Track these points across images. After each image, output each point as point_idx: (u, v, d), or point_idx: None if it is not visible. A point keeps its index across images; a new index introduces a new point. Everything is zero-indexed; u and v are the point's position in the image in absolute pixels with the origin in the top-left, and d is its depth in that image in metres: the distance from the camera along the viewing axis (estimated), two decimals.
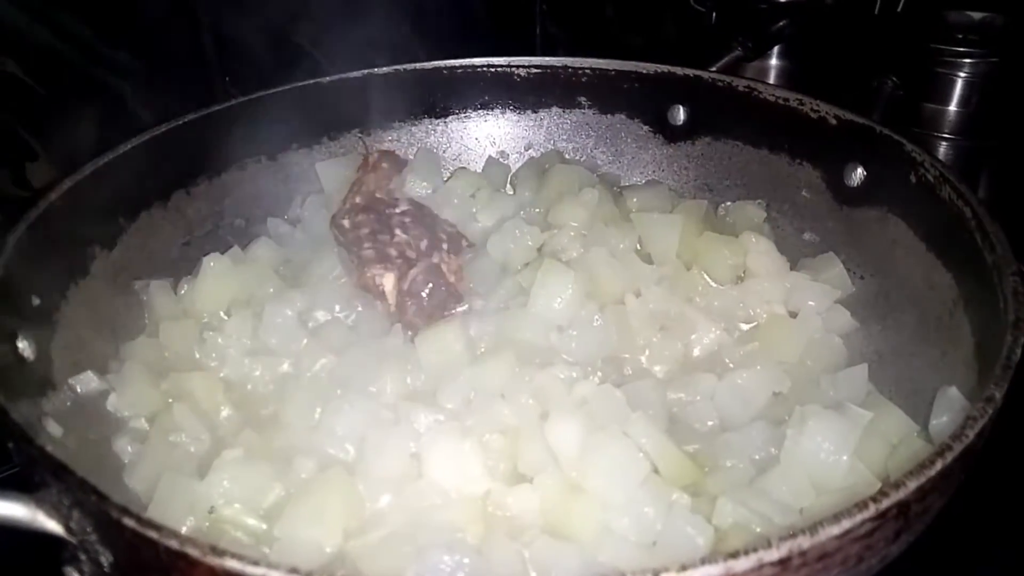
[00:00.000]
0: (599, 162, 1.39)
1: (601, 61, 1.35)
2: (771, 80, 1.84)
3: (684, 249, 1.16)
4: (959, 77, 1.64)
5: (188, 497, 0.86)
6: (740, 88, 1.25)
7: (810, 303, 1.09)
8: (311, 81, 1.30)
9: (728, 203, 1.27)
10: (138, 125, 1.19)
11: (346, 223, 1.17)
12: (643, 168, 1.38)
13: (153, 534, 0.60)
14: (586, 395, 0.93)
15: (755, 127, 1.25)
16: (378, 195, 1.22)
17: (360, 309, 1.13)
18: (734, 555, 0.56)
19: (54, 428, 0.86)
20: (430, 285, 1.10)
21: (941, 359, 0.95)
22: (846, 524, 0.59)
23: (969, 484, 0.72)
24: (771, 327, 1.08)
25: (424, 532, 0.81)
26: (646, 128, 1.36)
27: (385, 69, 1.33)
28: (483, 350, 1.05)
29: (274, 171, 1.30)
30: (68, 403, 0.93)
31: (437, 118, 1.39)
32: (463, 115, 1.40)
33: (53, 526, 0.67)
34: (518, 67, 1.37)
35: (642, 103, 1.34)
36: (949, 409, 0.84)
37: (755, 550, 0.57)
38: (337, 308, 1.13)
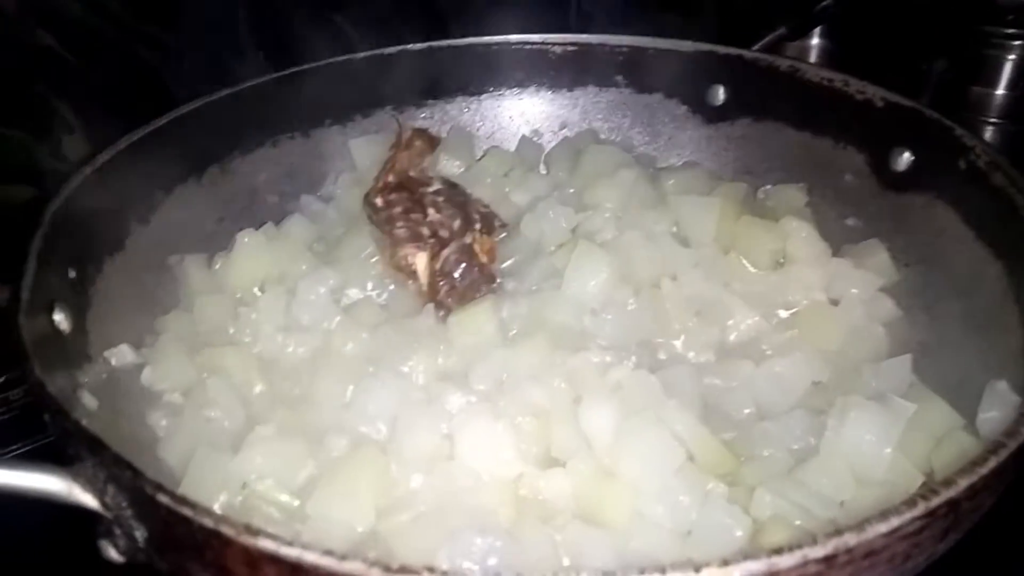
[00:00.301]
0: (635, 143, 1.37)
1: (639, 39, 1.32)
2: (813, 61, 1.79)
3: (722, 233, 1.13)
4: (1008, 60, 1.59)
5: (221, 472, 0.86)
6: (783, 68, 1.22)
7: (852, 291, 1.06)
8: (345, 57, 1.29)
9: (768, 186, 1.24)
10: (173, 100, 1.19)
11: (379, 201, 1.16)
12: (680, 149, 1.35)
13: (188, 512, 0.60)
14: (620, 380, 0.92)
15: (798, 108, 1.22)
16: (411, 174, 1.21)
17: (392, 288, 1.12)
18: (778, 551, 0.55)
19: (89, 401, 0.86)
20: (463, 265, 1.09)
21: (989, 351, 0.92)
22: (895, 521, 0.58)
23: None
24: (811, 314, 1.05)
25: (455, 514, 0.81)
26: (684, 108, 1.33)
27: (419, 46, 1.32)
28: (515, 332, 1.04)
29: (307, 148, 1.30)
30: (103, 376, 0.93)
31: (471, 96, 1.38)
32: (497, 93, 1.38)
33: (89, 500, 0.67)
34: (554, 44, 1.35)
35: (680, 82, 1.31)
36: (998, 404, 0.82)
37: (800, 547, 0.55)
38: (369, 287, 1.13)
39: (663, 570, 0.55)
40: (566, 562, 0.78)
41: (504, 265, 1.15)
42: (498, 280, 1.13)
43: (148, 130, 1.10)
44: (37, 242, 0.88)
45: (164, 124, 1.12)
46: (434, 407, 0.92)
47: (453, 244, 1.11)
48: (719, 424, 0.92)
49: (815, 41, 1.83)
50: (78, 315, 0.92)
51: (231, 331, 1.06)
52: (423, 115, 1.36)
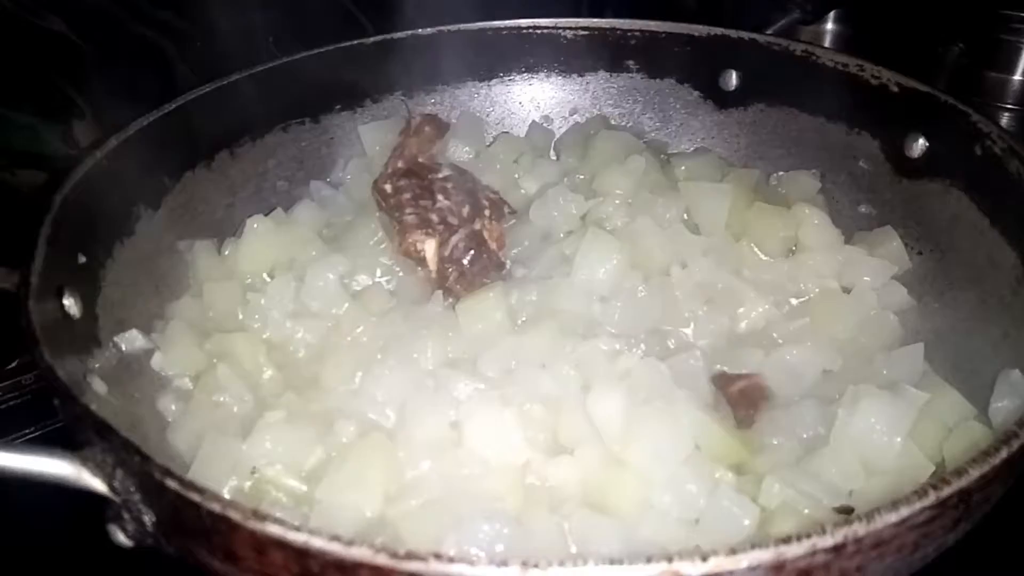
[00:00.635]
0: (646, 128, 1.36)
1: (651, 23, 1.30)
2: (827, 45, 1.77)
3: (733, 220, 1.12)
4: None
5: (231, 457, 0.86)
6: (797, 52, 1.20)
7: (865, 278, 1.06)
8: (354, 42, 1.28)
9: (781, 173, 1.23)
10: (183, 85, 1.19)
11: (388, 188, 1.15)
12: (692, 135, 1.34)
13: (195, 496, 0.61)
14: (629, 368, 0.92)
15: (811, 94, 1.20)
16: (420, 159, 1.21)
17: (401, 275, 1.12)
18: (786, 540, 0.54)
19: (99, 386, 0.86)
20: (471, 252, 1.09)
21: (1002, 340, 0.91)
22: (904, 511, 0.57)
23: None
24: (823, 302, 1.05)
25: (463, 500, 0.81)
26: (696, 93, 1.32)
27: (429, 30, 1.31)
28: (524, 319, 1.03)
29: (317, 133, 1.29)
30: (113, 361, 0.94)
31: (481, 81, 1.37)
32: (507, 78, 1.37)
33: (98, 484, 0.67)
34: (565, 29, 1.33)
35: (693, 67, 1.30)
36: (1011, 393, 0.81)
37: (808, 536, 0.55)
38: (378, 273, 1.13)
39: (670, 558, 0.54)
40: (573, 549, 0.78)
41: (513, 252, 1.15)
42: (507, 267, 1.13)
43: (158, 115, 1.10)
44: (46, 227, 0.88)
45: (174, 109, 1.12)
46: (442, 394, 0.92)
47: (462, 231, 1.10)
48: (728, 412, 0.91)
49: (830, 25, 1.80)
50: (88, 300, 0.92)
51: (240, 317, 1.06)
52: (433, 100, 1.35)
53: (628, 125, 1.35)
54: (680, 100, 1.33)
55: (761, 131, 1.28)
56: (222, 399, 0.95)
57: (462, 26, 1.32)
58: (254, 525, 0.59)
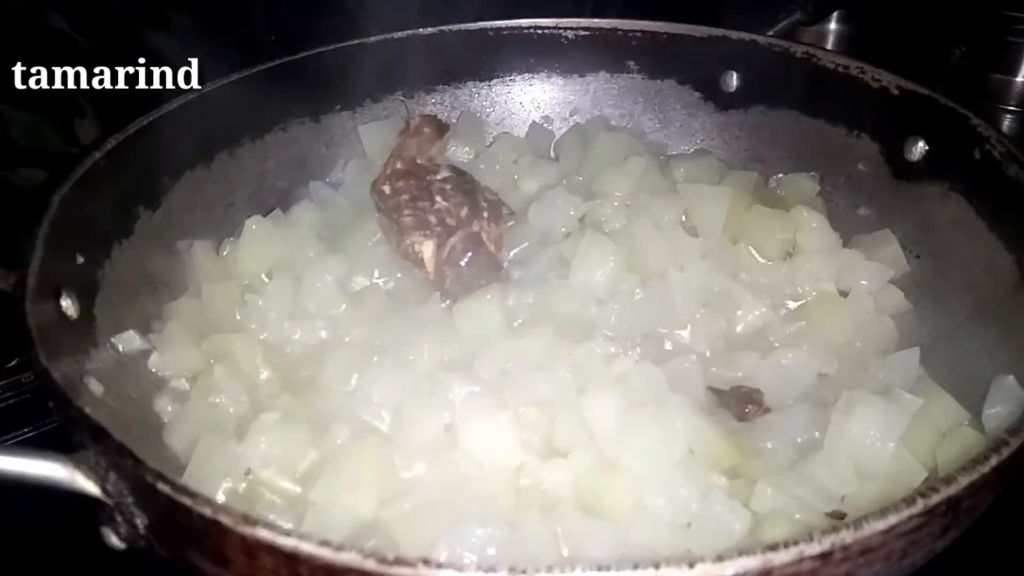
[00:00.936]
0: (646, 129, 1.35)
1: (652, 24, 1.30)
2: (829, 46, 1.77)
3: (732, 222, 1.12)
4: None
5: (226, 459, 0.87)
6: (798, 54, 1.20)
7: (862, 282, 1.05)
8: (355, 42, 1.28)
9: (780, 175, 1.23)
10: (184, 84, 1.19)
11: (386, 189, 1.15)
12: (692, 136, 1.33)
13: (187, 501, 0.61)
14: (625, 371, 0.92)
15: (812, 95, 1.20)
16: (419, 160, 1.21)
17: (399, 276, 1.12)
18: (774, 547, 0.55)
19: (96, 386, 0.86)
20: (469, 254, 1.09)
21: (998, 346, 0.91)
22: (892, 519, 0.57)
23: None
24: (820, 306, 1.05)
25: (457, 503, 0.81)
26: (697, 95, 1.32)
27: (429, 30, 1.31)
28: (521, 321, 1.03)
29: (317, 133, 1.29)
30: (110, 362, 0.94)
31: (481, 81, 1.36)
32: (508, 79, 1.37)
33: (91, 487, 0.68)
34: (566, 29, 1.33)
35: (693, 68, 1.30)
36: (1004, 399, 0.81)
37: (796, 543, 0.55)
38: (376, 274, 1.12)
39: (657, 565, 0.55)
40: (566, 553, 0.78)
41: (511, 254, 1.15)
42: (505, 268, 1.13)
43: (157, 115, 1.10)
44: (44, 227, 0.89)
45: (173, 109, 1.12)
46: (438, 396, 0.92)
47: (460, 232, 1.10)
48: (723, 416, 0.91)
49: (832, 26, 1.80)
50: (85, 301, 0.93)
51: (238, 317, 1.06)
52: (433, 101, 1.35)
53: (628, 126, 1.35)
54: (680, 101, 1.33)
55: (761, 133, 1.27)
56: (218, 400, 0.95)
57: (462, 26, 1.32)
58: (244, 529, 0.59)
